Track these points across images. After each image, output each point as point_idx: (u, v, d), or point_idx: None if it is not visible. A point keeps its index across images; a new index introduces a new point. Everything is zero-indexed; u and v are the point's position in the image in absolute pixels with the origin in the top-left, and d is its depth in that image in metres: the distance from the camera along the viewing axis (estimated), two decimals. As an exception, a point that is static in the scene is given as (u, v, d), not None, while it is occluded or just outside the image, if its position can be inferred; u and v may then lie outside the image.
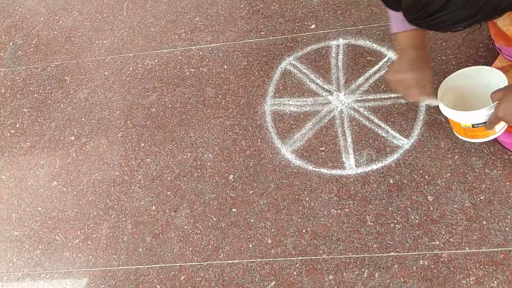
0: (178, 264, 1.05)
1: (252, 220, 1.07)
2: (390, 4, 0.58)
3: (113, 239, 1.12)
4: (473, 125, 0.89)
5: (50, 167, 1.27)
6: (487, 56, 1.10)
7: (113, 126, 1.29)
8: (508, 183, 0.98)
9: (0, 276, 1.15)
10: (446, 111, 0.91)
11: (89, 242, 1.14)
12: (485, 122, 0.87)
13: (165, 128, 1.25)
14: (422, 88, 0.90)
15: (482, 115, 0.85)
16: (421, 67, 0.89)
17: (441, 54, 1.17)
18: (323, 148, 1.13)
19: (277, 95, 1.24)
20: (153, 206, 1.14)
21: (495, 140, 1.02)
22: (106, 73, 1.41)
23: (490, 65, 1.01)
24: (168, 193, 1.15)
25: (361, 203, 1.03)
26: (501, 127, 0.91)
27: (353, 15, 1.32)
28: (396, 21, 0.88)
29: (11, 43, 1.57)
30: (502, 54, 1.01)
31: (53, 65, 1.47)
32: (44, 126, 1.35)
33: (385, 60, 1.21)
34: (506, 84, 0.87)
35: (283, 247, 1.02)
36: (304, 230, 1.03)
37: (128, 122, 1.29)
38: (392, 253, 0.96)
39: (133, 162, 1.22)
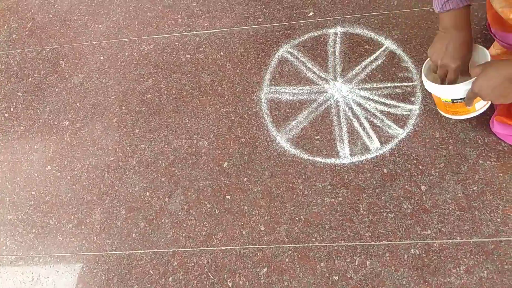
0: (171, 250, 1.06)
1: (245, 207, 1.07)
2: None
3: (106, 224, 1.13)
4: (452, 101, 0.91)
5: (44, 151, 1.27)
6: (484, 46, 1.09)
7: (108, 112, 1.28)
8: (502, 174, 0.98)
9: (-6, 259, 1.15)
10: (427, 84, 0.94)
11: (82, 227, 1.14)
12: (464, 98, 0.88)
13: (160, 114, 1.24)
14: (458, 74, 0.90)
15: (460, 90, 0.87)
16: (463, 50, 0.89)
17: (438, 44, 1.16)
18: (318, 137, 1.12)
19: (273, 83, 1.23)
20: (147, 192, 1.14)
21: (490, 131, 1.02)
22: (102, 58, 1.39)
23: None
24: (163, 179, 1.15)
25: (354, 192, 1.03)
26: (481, 105, 0.92)
27: (351, 3, 1.31)
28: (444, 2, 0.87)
29: (5, 26, 1.55)
30: (497, 40, 1.00)
31: (48, 49, 1.46)
32: (38, 111, 1.34)
33: (382, 49, 1.20)
34: (488, 60, 0.87)
35: (276, 234, 1.02)
36: (297, 218, 1.03)
37: (123, 107, 1.28)
38: (384, 242, 0.96)
39: (128, 148, 1.21)
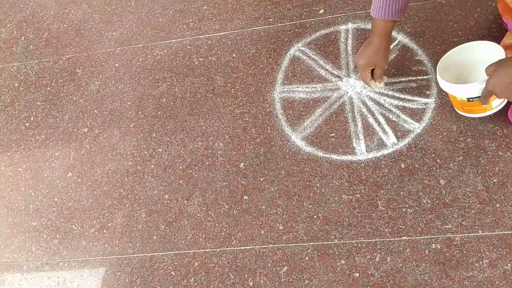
0: (192, 251, 1.07)
1: (263, 207, 1.08)
2: None
3: (128, 228, 1.15)
4: (468, 99, 0.90)
5: (65, 158, 1.30)
6: (499, 36, 1.07)
7: (125, 117, 1.31)
8: (522, 165, 0.96)
9: (20, 265, 1.18)
10: (441, 83, 0.93)
11: (104, 231, 1.16)
12: (480, 97, 0.87)
13: (175, 118, 1.26)
14: (367, 74, 1.05)
15: (475, 88, 0.87)
16: (373, 55, 1.01)
17: (452, 36, 1.15)
18: (333, 134, 1.12)
19: (286, 82, 1.23)
20: (166, 195, 1.16)
21: (509, 121, 1.00)
22: (117, 65, 1.42)
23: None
24: (180, 181, 1.16)
25: (372, 188, 1.03)
26: (497, 103, 0.91)
27: (362, -2, 1.30)
28: (376, 4, 0.94)
29: (22, 38, 1.60)
30: (510, 30, 0.99)
31: (64, 58, 1.49)
32: (57, 119, 1.37)
33: (395, 43, 1.19)
34: (503, 57, 0.87)
35: (295, 233, 1.03)
36: (315, 216, 1.03)
37: (140, 112, 1.30)
38: (404, 237, 0.96)
39: (145, 152, 1.23)
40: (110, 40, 1.48)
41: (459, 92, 0.91)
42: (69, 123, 1.35)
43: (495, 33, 1.13)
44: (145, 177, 1.20)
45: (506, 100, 0.93)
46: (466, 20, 1.17)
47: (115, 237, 1.15)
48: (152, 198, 1.16)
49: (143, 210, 1.16)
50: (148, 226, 1.13)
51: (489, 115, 1.02)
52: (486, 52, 0.92)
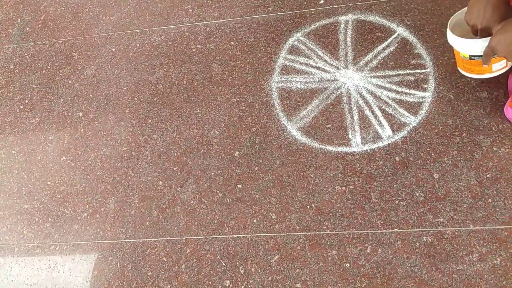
0: (184, 238, 1.07)
1: (257, 196, 1.08)
2: None
3: (120, 213, 1.14)
4: (470, 57, 0.90)
5: (59, 142, 1.29)
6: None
7: (121, 103, 1.30)
8: (516, 162, 0.97)
9: (11, 247, 1.18)
10: (449, 35, 0.93)
11: (97, 216, 1.16)
12: (482, 56, 0.87)
13: (171, 105, 1.25)
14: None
15: (478, 45, 0.87)
16: (503, 13, 0.84)
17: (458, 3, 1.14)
18: (329, 125, 1.12)
19: (284, 72, 1.23)
20: (160, 181, 1.15)
21: (504, 117, 1.00)
22: (113, 49, 1.40)
23: None
24: (175, 168, 1.16)
25: (366, 180, 1.03)
26: (498, 67, 0.91)
27: (362, -10, 1.29)
28: None
29: (19, 19, 1.58)
30: None
31: (60, 41, 1.48)
32: (52, 102, 1.36)
33: (394, 36, 1.19)
34: None
35: (287, 223, 1.03)
36: (308, 206, 1.04)
37: (135, 98, 1.29)
38: (395, 230, 0.96)
39: (140, 138, 1.23)
40: (107, 24, 1.46)
41: (462, 47, 0.91)
42: (64, 106, 1.34)
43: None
44: (139, 163, 1.19)
45: (507, 66, 0.92)
46: None
47: (107, 222, 1.15)
48: (145, 184, 1.16)
49: (136, 196, 1.15)
50: (141, 212, 1.13)
51: (486, 110, 1.02)
52: None
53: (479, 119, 1.02)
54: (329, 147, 1.09)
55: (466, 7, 0.94)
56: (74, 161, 1.25)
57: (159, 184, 1.15)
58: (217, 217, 1.07)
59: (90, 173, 1.22)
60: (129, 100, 1.29)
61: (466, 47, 0.90)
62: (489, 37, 0.83)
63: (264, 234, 1.03)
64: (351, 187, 1.03)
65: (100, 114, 1.30)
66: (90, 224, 1.15)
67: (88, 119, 1.30)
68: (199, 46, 1.33)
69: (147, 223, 1.11)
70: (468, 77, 1.01)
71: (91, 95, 1.34)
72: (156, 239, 1.09)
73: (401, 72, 1.13)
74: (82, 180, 1.21)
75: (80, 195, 1.20)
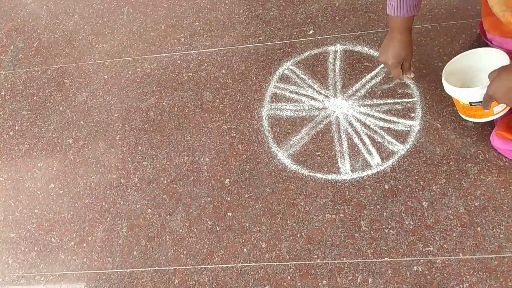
0: (172, 268, 1.05)
1: (247, 224, 1.07)
2: None
3: (108, 242, 1.13)
4: (470, 103, 0.92)
5: (48, 169, 1.28)
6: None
7: (111, 129, 1.30)
8: (503, 190, 0.97)
9: (-4, 277, 1.15)
10: (446, 86, 0.95)
11: (84, 245, 1.14)
12: (482, 102, 0.89)
13: (162, 132, 1.25)
14: (399, 70, 1.04)
15: (477, 93, 0.89)
16: (400, 50, 1.01)
17: (438, 60, 1.18)
18: (319, 153, 1.13)
19: (274, 99, 1.24)
20: (149, 209, 1.14)
21: (491, 146, 1.02)
22: (106, 77, 1.41)
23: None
24: (164, 196, 1.15)
25: (356, 208, 1.03)
26: (499, 109, 0.93)
27: (351, 21, 1.33)
28: (393, 3, 0.96)
29: (12, 46, 1.59)
30: (495, 46, 1.01)
31: (53, 68, 1.49)
32: (42, 129, 1.36)
33: (381, 66, 1.21)
34: (507, 63, 0.88)
35: (277, 252, 1.02)
36: (298, 235, 1.03)
37: (126, 125, 1.29)
38: (386, 259, 0.96)
39: (130, 165, 1.22)
40: (100, 52, 1.48)
41: (462, 96, 0.93)
42: (54, 133, 1.34)
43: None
44: (128, 191, 1.18)
45: (507, 107, 0.94)
46: (451, 46, 1.20)
47: (94, 251, 1.12)
48: (134, 212, 1.15)
49: (124, 224, 1.14)
50: (129, 241, 1.11)
51: (472, 139, 1.04)
52: (491, 59, 0.94)
53: (466, 148, 1.04)
54: (319, 175, 1.10)
55: (457, 56, 0.97)
56: (63, 189, 1.23)
57: (148, 212, 1.14)
58: (207, 246, 1.06)
59: (78, 201, 1.20)
60: (119, 127, 1.30)
61: (465, 95, 0.92)
62: (487, 84, 0.85)
63: (254, 263, 1.02)
64: (341, 215, 1.03)
65: (90, 141, 1.29)
66: (76, 253, 1.13)
67: (78, 146, 1.29)
68: (190, 74, 1.35)
69: (135, 252, 1.09)
70: (472, 121, 1.03)
71: (81, 122, 1.34)
72: (143, 269, 1.07)
73: (389, 101, 1.15)
74: (70, 208, 1.20)
75: (67, 224, 1.18)
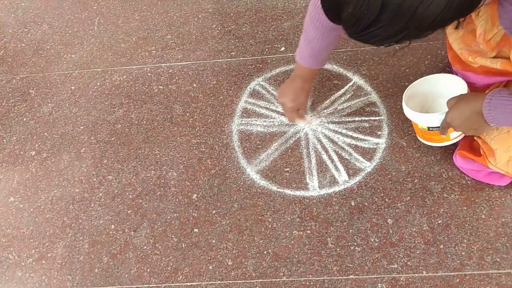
0: (135, 286, 1.02)
1: (213, 241, 1.05)
2: (332, 19, 0.61)
3: (68, 259, 1.08)
4: (428, 128, 0.94)
5: (8, 182, 1.23)
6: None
7: (76, 142, 1.26)
8: (465, 208, 1.00)
9: None
10: (405, 110, 0.97)
11: (43, 262, 1.09)
12: (439, 127, 0.91)
13: (129, 145, 1.23)
14: (296, 114, 1.11)
15: (435, 119, 0.91)
16: (298, 95, 1.08)
17: (404, 80, 1.21)
18: (287, 169, 1.13)
19: (244, 115, 1.24)
20: (112, 225, 1.11)
21: (454, 165, 1.04)
22: (73, 88, 1.38)
23: None
24: (129, 211, 1.12)
25: (323, 224, 1.03)
26: (455, 135, 0.95)
27: (321, 39, 1.35)
28: (305, 54, 1.03)
29: (-24, 54, 1.54)
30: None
31: (18, 78, 1.44)
32: (4, 140, 1.31)
33: (350, 84, 1.23)
34: (465, 92, 0.91)
35: (244, 269, 1.00)
36: (265, 252, 1.02)
37: (92, 137, 1.26)
38: (351, 276, 0.96)
39: (95, 179, 1.19)
40: (68, 62, 1.45)
41: (420, 120, 0.95)
42: (16, 145, 1.29)
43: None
44: (92, 206, 1.15)
45: (463, 134, 0.97)
46: (417, 66, 1.24)
47: (54, 268, 1.08)
48: (97, 228, 1.11)
49: (86, 240, 1.10)
50: (90, 258, 1.07)
51: (436, 158, 1.06)
52: (450, 84, 0.97)
53: (430, 166, 1.06)
54: (287, 191, 1.09)
55: (417, 80, 1.00)
56: (23, 203, 1.19)
57: (112, 228, 1.11)
58: (171, 264, 1.03)
59: (38, 215, 1.16)
60: (85, 140, 1.26)
61: (424, 120, 0.94)
62: (446, 110, 0.88)
63: (219, 281, 1.00)
64: (308, 231, 1.03)
65: (54, 153, 1.25)
66: (35, 270, 1.08)
67: (41, 159, 1.25)
68: (161, 87, 1.34)
69: (96, 270, 1.05)
70: (428, 145, 1.05)
71: (46, 134, 1.30)
72: None
73: (357, 118, 1.17)
74: (30, 223, 1.15)
75: (26, 239, 1.13)
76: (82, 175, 1.20)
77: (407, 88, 1.00)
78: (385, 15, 0.54)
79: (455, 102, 0.85)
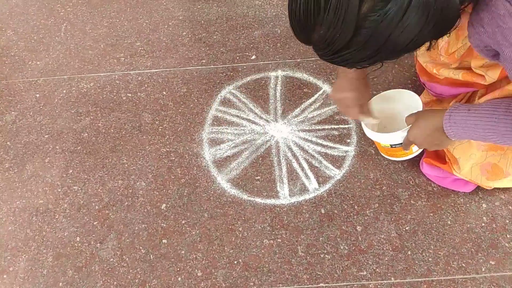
0: (100, 300, 0.99)
1: (182, 252, 1.03)
2: (302, 40, 0.60)
3: (31, 273, 1.04)
4: (391, 146, 0.95)
5: (-34, 194, 1.17)
6: (415, 91, 1.15)
7: (40, 151, 1.22)
8: (432, 214, 1.01)
9: None
10: (366, 131, 0.98)
11: (4, 276, 1.04)
12: (402, 143, 0.93)
13: (96, 154, 1.20)
14: (360, 108, 0.96)
15: (397, 137, 0.92)
16: (360, 87, 0.94)
17: (372, 89, 1.22)
18: (258, 177, 1.12)
19: (215, 123, 1.23)
20: (78, 237, 1.07)
21: (420, 172, 1.07)
22: (37, 95, 1.34)
23: None
24: (95, 223, 1.09)
25: (293, 233, 1.03)
26: (417, 148, 0.97)
27: (292, 48, 1.36)
28: None
29: None
30: (426, 89, 1.07)
31: (-21, 85, 1.39)
32: (-37, 149, 1.25)
33: (320, 92, 1.24)
34: (420, 109, 0.93)
35: (213, 280, 0.98)
36: (235, 262, 1.00)
37: (57, 147, 1.22)
38: (321, 284, 0.95)
39: (59, 190, 1.15)
40: (33, 69, 1.40)
41: (382, 140, 0.96)
42: (-24, 154, 1.24)
43: (410, 88, 1.22)
44: (56, 217, 1.11)
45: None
46: (385, 75, 1.26)
47: (16, 283, 1.03)
48: (61, 241, 1.07)
49: (50, 253, 1.06)
50: (54, 271, 1.03)
51: (403, 165, 1.08)
52: (405, 100, 0.99)
53: (397, 173, 1.08)
54: (258, 199, 1.09)
55: (373, 98, 1.02)
56: (-18, 215, 1.13)
57: (77, 240, 1.07)
58: (139, 276, 1.00)
59: (0, 228, 1.11)
60: (50, 149, 1.22)
61: (386, 139, 0.96)
62: (406, 128, 0.89)
63: (188, 293, 0.98)
64: (278, 240, 1.02)
65: (17, 163, 1.21)
66: (-7, 286, 1.03)
67: (3, 169, 1.20)
68: (129, 95, 1.31)
69: (61, 284, 1.01)
70: (392, 160, 1.07)
71: (8, 143, 1.25)
72: (68, 303, 0.99)
73: (326, 126, 1.18)
74: (-11, 237, 1.10)
75: (-15, 254, 1.07)
76: (46, 186, 1.16)
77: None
78: (358, 39, 0.53)
79: (415, 120, 0.87)
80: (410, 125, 0.88)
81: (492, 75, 0.80)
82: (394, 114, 1.02)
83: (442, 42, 0.83)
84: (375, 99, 1.02)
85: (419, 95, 1.02)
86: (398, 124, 0.97)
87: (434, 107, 1.05)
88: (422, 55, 0.96)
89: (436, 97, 1.05)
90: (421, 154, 1.06)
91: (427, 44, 0.59)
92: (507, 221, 1.00)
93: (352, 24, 0.51)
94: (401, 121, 0.92)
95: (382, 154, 1.06)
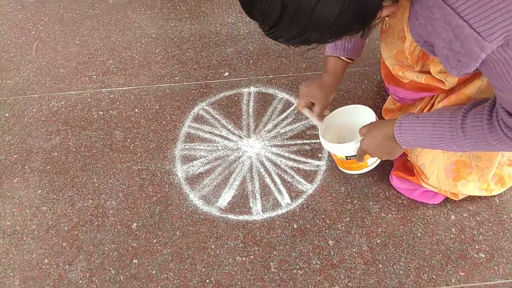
0: (68, 324, 0.96)
1: (154, 272, 1.01)
2: (246, 11, 0.63)
3: (-4, 299, 1.00)
4: (346, 157, 0.96)
5: None
6: (383, 104, 1.18)
7: (9, 171, 1.19)
8: (402, 227, 1.03)
9: None
10: (323, 142, 0.99)
11: (-33, 303, 1.00)
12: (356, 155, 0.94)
13: (66, 174, 1.18)
14: (309, 104, 1.04)
15: (350, 147, 0.94)
16: (324, 89, 1.01)
17: (343, 104, 1.24)
18: (231, 193, 1.12)
19: (188, 139, 1.23)
20: (46, 259, 1.04)
21: (390, 185, 1.08)
22: (7, 115, 1.31)
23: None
24: (64, 244, 1.06)
25: (266, 249, 1.02)
26: (372, 161, 0.99)
27: (264, 65, 1.38)
28: (330, 45, 1.00)
29: None
30: (390, 94, 1.09)
31: None
32: None
33: (292, 108, 1.26)
34: (374, 119, 0.95)
35: (185, 299, 0.97)
36: (208, 280, 0.99)
37: (26, 167, 1.20)
38: (294, 301, 0.95)
39: (27, 211, 1.12)
40: (3, 88, 1.38)
41: (337, 150, 0.98)
42: None
43: (379, 102, 1.25)
44: (24, 239, 1.08)
45: (378, 160, 1.00)
46: (355, 91, 1.28)
47: (-21, 310, 0.99)
48: (29, 263, 1.04)
49: (17, 276, 1.02)
50: (20, 296, 1.00)
51: (373, 178, 1.09)
52: (361, 114, 1.00)
53: (368, 187, 1.09)
54: (231, 216, 1.08)
55: (331, 113, 1.04)
56: None
57: (45, 262, 1.04)
58: (108, 298, 0.98)
59: (-37, 252, 1.07)
60: (18, 169, 1.19)
61: (341, 150, 0.97)
62: (359, 139, 0.91)
63: (159, 314, 0.96)
64: (251, 257, 1.02)
65: (-17, 184, 1.18)
66: (-45, 314, 0.99)
67: (-32, 190, 1.17)
68: (101, 113, 1.30)
69: (26, 309, 0.98)
70: (349, 174, 1.08)
71: (-26, 164, 1.22)
72: (34, 328, 0.96)
73: (298, 141, 1.19)
74: (-48, 261, 1.06)
75: None
76: (14, 207, 1.13)
77: (323, 120, 1.03)
78: (286, 16, 0.56)
79: (367, 130, 0.89)
80: (363, 136, 0.90)
81: (451, 81, 0.82)
82: (352, 129, 1.04)
83: (408, 42, 0.85)
84: (332, 115, 1.04)
85: (382, 105, 1.04)
86: (355, 137, 0.99)
87: (396, 117, 1.07)
88: (389, 59, 0.97)
89: (399, 101, 1.07)
90: (391, 166, 1.08)
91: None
92: (475, 232, 1.01)
93: (279, 1, 0.55)
94: (358, 133, 0.93)
95: (340, 168, 1.06)
